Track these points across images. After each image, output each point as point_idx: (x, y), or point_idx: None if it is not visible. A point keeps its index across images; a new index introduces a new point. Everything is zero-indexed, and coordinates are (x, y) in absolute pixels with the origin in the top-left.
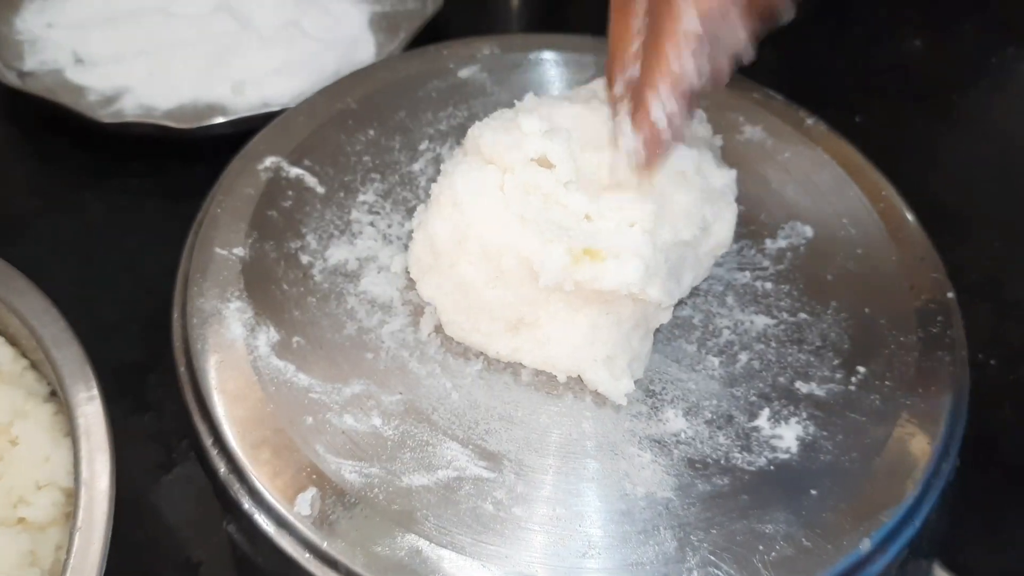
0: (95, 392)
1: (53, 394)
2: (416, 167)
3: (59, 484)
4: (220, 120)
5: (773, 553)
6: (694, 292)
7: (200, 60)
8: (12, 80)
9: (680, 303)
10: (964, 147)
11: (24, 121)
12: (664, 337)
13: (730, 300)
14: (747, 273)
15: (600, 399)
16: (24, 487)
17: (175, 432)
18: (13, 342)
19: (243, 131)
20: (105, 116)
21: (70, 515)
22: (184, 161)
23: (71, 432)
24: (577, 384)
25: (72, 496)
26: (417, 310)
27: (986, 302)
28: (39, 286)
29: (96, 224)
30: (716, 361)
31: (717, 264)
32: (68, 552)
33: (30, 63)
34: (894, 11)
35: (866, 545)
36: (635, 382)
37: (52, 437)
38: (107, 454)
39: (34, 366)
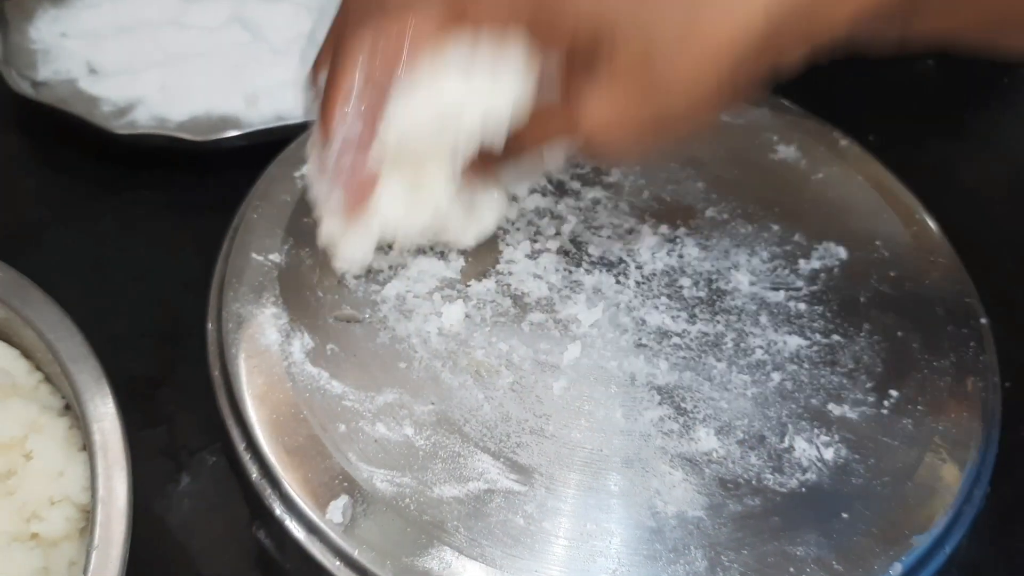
0: (111, 407)
1: (67, 408)
2: None
3: (73, 499)
4: (233, 133)
5: None
6: (727, 310)
7: (213, 72)
8: (25, 90)
9: (713, 320)
10: (976, 167)
11: (37, 131)
12: (696, 355)
13: (763, 319)
14: (781, 293)
15: (631, 414)
16: (38, 502)
17: (187, 446)
18: (28, 355)
19: (256, 144)
20: (118, 127)
21: (84, 531)
22: (197, 173)
23: (87, 447)
24: (607, 399)
25: (86, 511)
26: (452, 321)
27: (999, 323)
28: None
29: (108, 235)
30: (748, 380)
31: (751, 283)
32: (85, 571)
33: (43, 73)
34: None
35: (896, 570)
36: (668, 399)
37: (66, 452)
38: (124, 470)
39: (48, 379)
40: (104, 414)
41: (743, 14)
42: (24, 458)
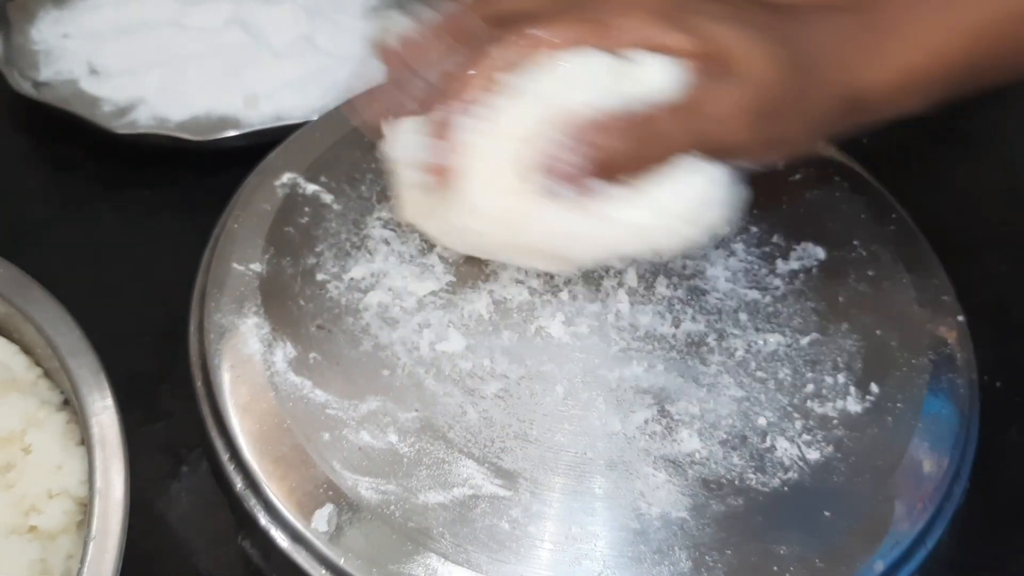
0: (110, 401)
1: (66, 403)
2: None
3: (71, 493)
4: (233, 133)
5: (787, 574)
6: (706, 311)
7: (213, 73)
8: (27, 90)
9: (692, 321)
10: (968, 170)
11: (39, 131)
12: (677, 356)
13: (743, 319)
14: (760, 293)
15: (614, 417)
16: (36, 495)
17: (186, 442)
18: (28, 350)
19: (256, 144)
20: (119, 127)
21: (81, 524)
22: (197, 172)
23: (85, 441)
24: (590, 403)
25: (83, 505)
26: (435, 328)
27: (991, 324)
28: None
29: (109, 234)
30: (729, 381)
31: (730, 283)
32: (82, 562)
33: (45, 73)
34: None
35: (879, 567)
36: (650, 402)
37: (65, 446)
38: (122, 463)
39: (47, 374)
40: (102, 408)
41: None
42: (23, 452)
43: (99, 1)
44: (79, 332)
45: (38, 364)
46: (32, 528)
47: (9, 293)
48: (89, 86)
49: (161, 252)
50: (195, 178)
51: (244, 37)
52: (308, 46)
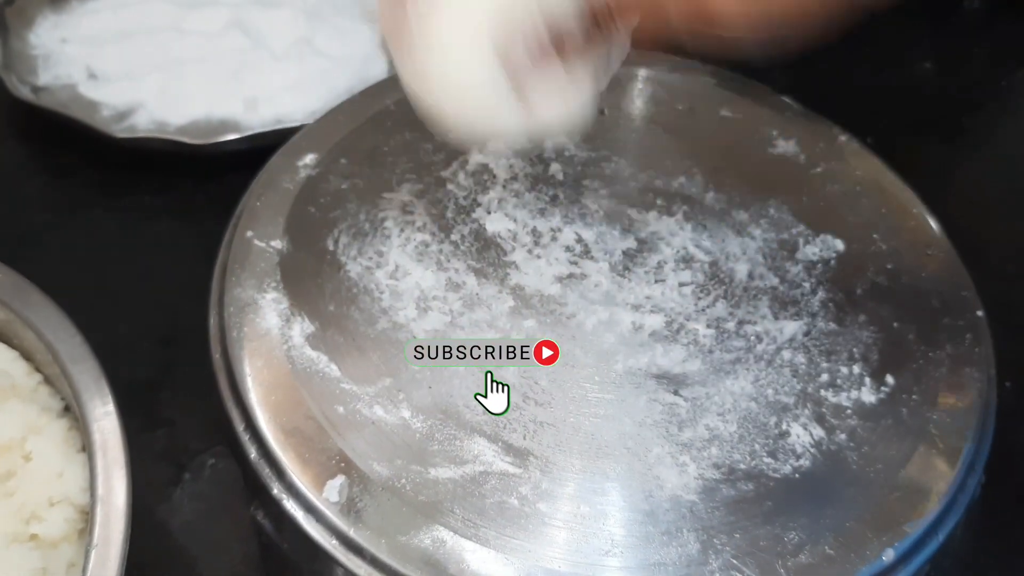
0: (111, 408)
1: (67, 409)
2: (448, 171)
3: (72, 500)
4: (233, 136)
5: (796, 560)
6: (725, 298)
7: (213, 77)
8: (26, 95)
9: (711, 308)
10: (974, 169)
11: (38, 136)
12: (693, 341)
13: (762, 308)
14: (779, 282)
15: (627, 399)
16: (37, 503)
17: (188, 449)
18: (27, 356)
19: (255, 147)
20: (118, 131)
21: (83, 532)
22: (196, 177)
23: (87, 448)
24: (603, 385)
25: (85, 512)
26: (452, 310)
27: (999, 323)
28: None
29: (108, 238)
30: (745, 368)
31: (749, 272)
32: (84, 571)
33: (44, 78)
34: (905, 34)
35: (889, 556)
36: (664, 385)
37: (66, 453)
38: (123, 470)
39: (48, 381)
40: (103, 415)
41: None
42: (23, 459)
43: (97, 5)
44: (80, 338)
45: (38, 370)
46: (33, 536)
47: (9, 299)
48: (88, 91)
49: (161, 256)
50: (195, 182)
51: (243, 41)
52: (307, 49)
